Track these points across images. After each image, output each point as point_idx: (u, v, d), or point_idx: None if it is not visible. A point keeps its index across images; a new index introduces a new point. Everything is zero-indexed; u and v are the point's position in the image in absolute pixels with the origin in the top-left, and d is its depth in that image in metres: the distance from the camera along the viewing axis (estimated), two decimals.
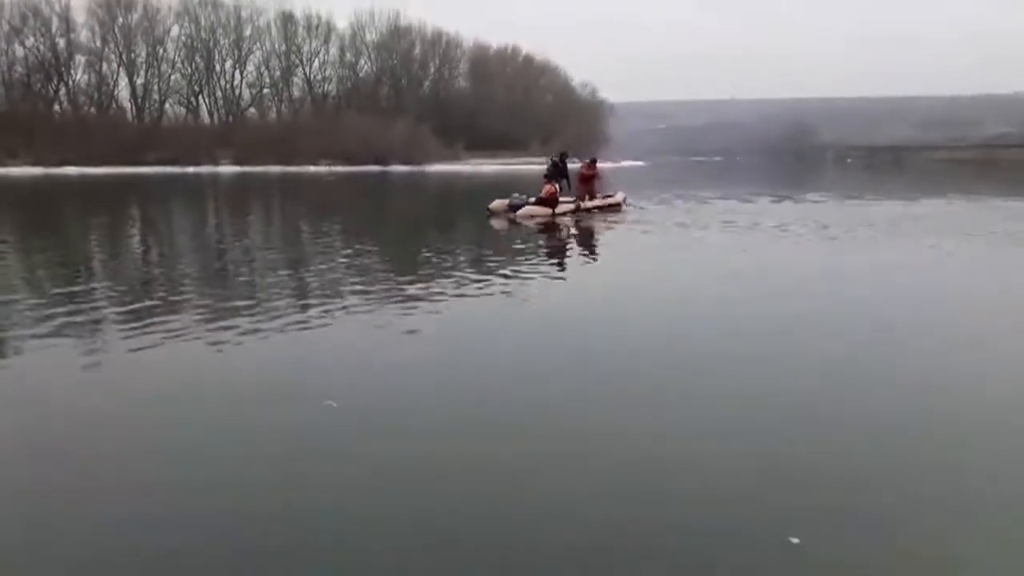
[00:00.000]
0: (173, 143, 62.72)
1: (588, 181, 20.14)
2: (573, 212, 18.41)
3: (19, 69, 65.18)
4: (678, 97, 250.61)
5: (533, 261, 11.47)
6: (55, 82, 67.24)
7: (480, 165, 66.09)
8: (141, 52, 70.35)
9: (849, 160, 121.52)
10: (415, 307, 7.71)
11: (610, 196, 20.68)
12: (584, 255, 12.99)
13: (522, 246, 13.36)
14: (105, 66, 69.07)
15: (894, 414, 4.70)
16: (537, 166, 73.14)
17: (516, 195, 18.46)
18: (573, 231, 15.65)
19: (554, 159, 19.62)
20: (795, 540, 3.09)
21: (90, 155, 55.57)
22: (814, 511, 3.40)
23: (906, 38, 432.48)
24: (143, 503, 3.46)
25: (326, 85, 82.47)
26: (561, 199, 18.42)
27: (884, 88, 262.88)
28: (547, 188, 18.09)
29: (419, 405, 4.78)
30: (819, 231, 14.70)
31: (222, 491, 3.60)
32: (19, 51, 64.83)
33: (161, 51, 71.34)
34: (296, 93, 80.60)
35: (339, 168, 62.13)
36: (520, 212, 17.57)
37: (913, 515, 3.38)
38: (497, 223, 16.97)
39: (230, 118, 74.45)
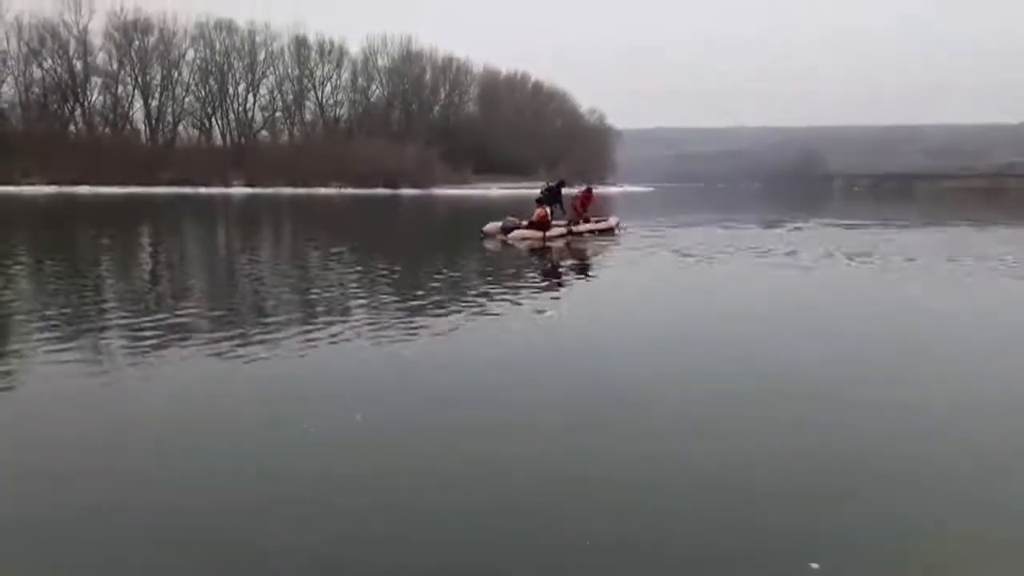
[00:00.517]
0: (186, 164, 63.70)
1: (583, 206, 20.61)
2: (565, 236, 18.71)
3: (36, 90, 66.47)
4: (687, 124, 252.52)
5: (521, 284, 11.59)
6: (71, 103, 68.47)
7: (488, 189, 66.74)
8: (156, 75, 71.68)
9: (856, 188, 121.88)
10: (410, 328, 7.94)
11: (603, 220, 21.02)
12: (570, 279, 13.04)
13: (512, 270, 13.53)
14: (120, 88, 70.48)
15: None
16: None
17: (509, 218, 18.81)
18: (563, 255, 15.91)
19: (551, 184, 20.08)
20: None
21: (104, 175, 56.51)
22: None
23: (913, 66, 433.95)
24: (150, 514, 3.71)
25: (338, 109, 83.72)
26: (554, 223, 18.81)
27: (893, 116, 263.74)
28: (538, 212, 18.43)
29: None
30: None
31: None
32: (37, 72, 66.23)
33: (176, 74, 72.71)
34: (308, 116, 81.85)
35: (349, 191, 62.90)
36: (512, 235, 17.89)
37: None
38: (491, 244, 17.29)
39: (242, 140, 75.51)
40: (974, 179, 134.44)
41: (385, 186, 65.59)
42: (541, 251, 16.32)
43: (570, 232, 19.01)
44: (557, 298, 10.43)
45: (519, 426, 4.82)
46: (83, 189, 53.75)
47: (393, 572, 3.11)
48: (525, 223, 18.32)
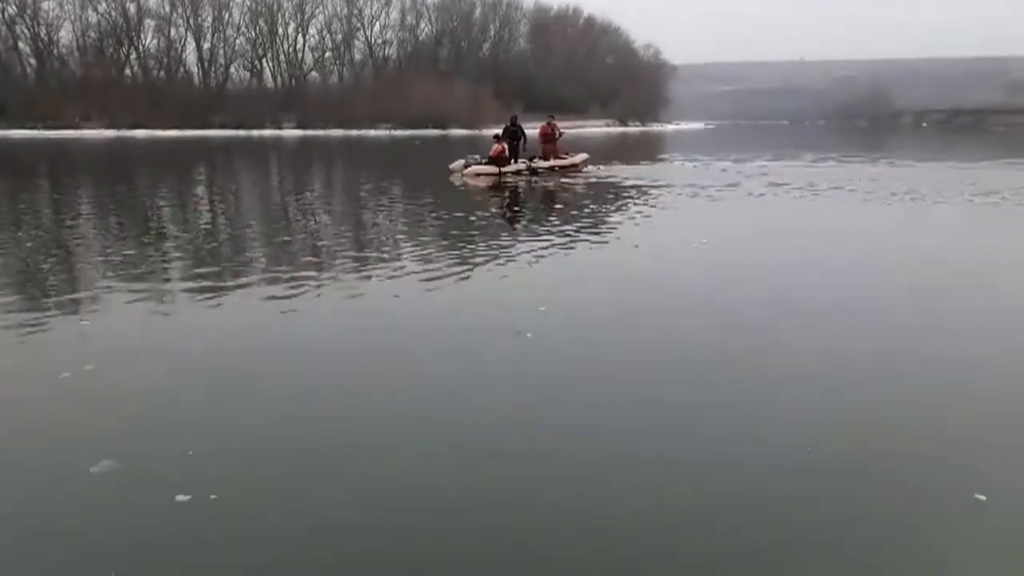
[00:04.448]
0: (238, 107, 64.07)
1: (550, 141, 20.50)
2: (525, 172, 19.07)
3: (92, 34, 67.26)
4: (746, 58, 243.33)
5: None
6: (126, 47, 69.15)
7: (536, 129, 65.34)
8: (207, 17, 71.72)
9: (924, 124, 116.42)
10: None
11: (565, 156, 20.83)
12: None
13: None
14: (173, 31, 70.73)
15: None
16: (596, 129, 72.58)
17: (471, 156, 19.59)
18: (508, 192, 15.96)
19: (507, 124, 20.30)
20: None
21: (159, 118, 57.28)
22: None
23: None
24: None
25: (387, 48, 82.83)
26: (522, 161, 19.33)
27: (968, 49, 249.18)
28: (495, 148, 19.05)
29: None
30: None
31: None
32: (92, 16, 66.89)
33: (227, 15, 72.62)
34: (357, 57, 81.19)
35: (398, 132, 62.57)
36: (467, 171, 18.54)
37: None
38: (455, 180, 17.94)
39: (293, 82, 75.48)
40: None
41: (434, 126, 65.03)
42: (496, 187, 16.73)
43: (530, 169, 19.31)
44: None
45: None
46: (140, 133, 54.65)
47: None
48: (485, 160, 18.91)
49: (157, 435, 3.67)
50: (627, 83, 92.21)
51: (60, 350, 4.98)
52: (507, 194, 15.48)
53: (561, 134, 20.97)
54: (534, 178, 18.44)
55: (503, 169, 18.60)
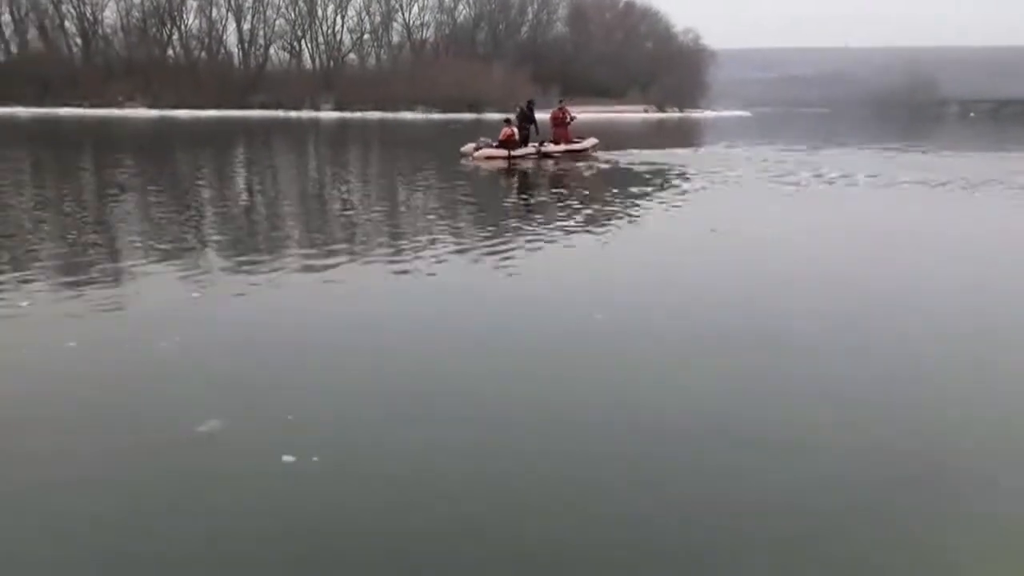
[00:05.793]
0: (277, 87, 64.60)
1: (561, 125, 20.40)
2: (534, 156, 19.04)
3: (136, 15, 68.14)
4: (788, 44, 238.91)
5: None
6: (168, 27, 69.95)
7: (575, 112, 64.92)
8: None
9: (972, 114, 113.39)
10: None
11: (576, 142, 20.70)
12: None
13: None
14: (215, 11, 71.35)
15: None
16: (633, 114, 71.85)
17: (483, 139, 19.58)
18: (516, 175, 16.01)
19: (521, 106, 20.42)
20: None
21: (200, 98, 57.96)
22: None
23: None
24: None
25: (424, 31, 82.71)
26: (532, 145, 19.30)
27: (1018, 37, 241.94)
28: (505, 131, 19.06)
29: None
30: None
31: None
32: None
33: None
34: (395, 39, 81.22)
35: (435, 115, 62.52)
36: (476, 154, 18.55)
37: None
38: (465, 163, 18.07)
39: (331, 63, 75.79)
40: None
41: (469, 109, 64.80)
42: (506, 171, 16.79)
43: (539, 153, 19.21)
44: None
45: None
46: (182, 113, 55.32)
47: None
48: (495, 143, 18.90)
49: (256, 401, 3.79)
50: (666, 68, 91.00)
51: (151, 323, 5.08)
52: (550, 180, 15.37)
53: (573, 119, 20.90)
54: (544, 162, 18.42)
55: (513, 153, 18.65)
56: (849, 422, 3.61)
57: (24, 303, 5.43)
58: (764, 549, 2.64)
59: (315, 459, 3.16)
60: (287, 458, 3.15)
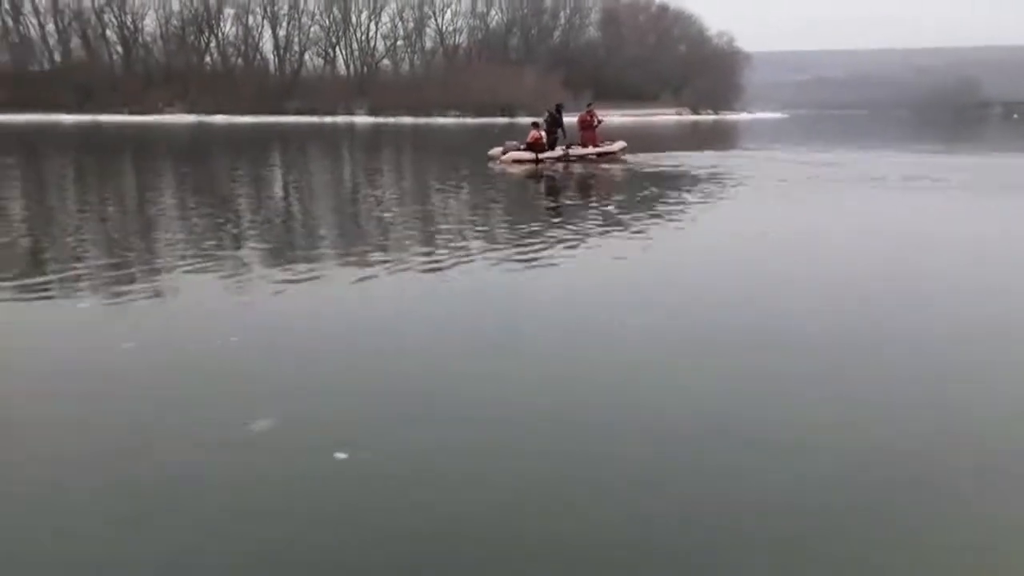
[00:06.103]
0: (311, 93, 65.49)
1: (588, 128, 20.19)
2: (562, 159, 18.82)
3: (175, 23, 69.63)
4: (823, 47, 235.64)
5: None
6: (206, 35, 71.37)
7: (607, 116, 64.74)
8: (284, 4, 73.44)
9: (1016, 116, 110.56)
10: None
11: (604, 144, 20.41)
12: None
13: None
14: (251, 19, 72.66)
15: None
16: (666, 117, 71.38)
17: (510, 142, 19.36)
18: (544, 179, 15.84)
19: (550, 110, 20.11)
20: None
21: (237, 104, 59.00)
22: None
23: None
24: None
25: (457, 36, 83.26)
26: (560, 148, 19.09)
27: None
28: (532, 134, 18.81)
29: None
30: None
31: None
32: (175, 4, 69.24)
33: (302, 3, 74.20)
34: (428, 44, 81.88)
35: (469, 120, 62.84)
36: (504, 157, 18.32)
37: None
38: (494, 166, 17.95)
39: (365, 69, 76.64)
40: None
41: (501, 114, 64.98)
42: (533, 174, 16.57)
43: (567, 157, 19.03)
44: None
45: None
46: (219, 118, 56.38)
47: None
48: (522, 146, 18.70)
49: (307, 399, 3.84)
50: (699, 71, 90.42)
51: (204, 323, 5.20)
52: (593, 183, 15.19)
53: (600, 121, 20.70)
54: (572, 165, 18.20)
55: (540, 156, 18.49)
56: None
57: (82, 304, 5.65)
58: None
59: (367, 456, 3.22)
60: (339, 455, 3.21)
